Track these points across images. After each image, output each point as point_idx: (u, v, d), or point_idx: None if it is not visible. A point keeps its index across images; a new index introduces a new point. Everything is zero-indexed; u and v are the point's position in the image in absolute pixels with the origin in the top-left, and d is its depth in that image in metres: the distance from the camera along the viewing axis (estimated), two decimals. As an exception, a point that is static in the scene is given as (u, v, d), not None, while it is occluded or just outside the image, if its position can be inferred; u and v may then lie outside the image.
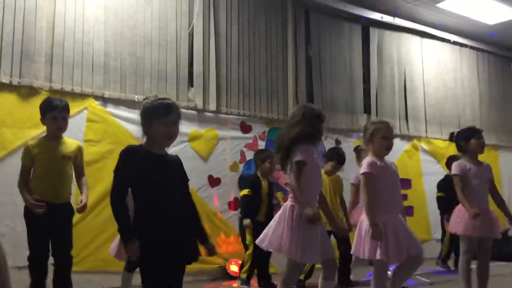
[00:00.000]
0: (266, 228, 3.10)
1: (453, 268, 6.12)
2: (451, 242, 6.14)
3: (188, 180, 2.54)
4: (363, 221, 3.33)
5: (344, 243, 4.97)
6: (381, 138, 3.35)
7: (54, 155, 3.62)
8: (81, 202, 3.66)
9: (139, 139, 4.82)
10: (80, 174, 3.79)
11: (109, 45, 5.27)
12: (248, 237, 4.87)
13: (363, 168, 3.30)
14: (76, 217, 4.73)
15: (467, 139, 4.06)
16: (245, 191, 4.97)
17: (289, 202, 3.11)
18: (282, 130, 3.43)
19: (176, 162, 2.50)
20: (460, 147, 4.13)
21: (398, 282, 3.39)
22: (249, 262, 4.88)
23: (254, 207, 4.90)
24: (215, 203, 5.80)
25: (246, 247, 4.97)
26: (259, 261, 4.88)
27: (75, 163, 3.75)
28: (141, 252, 2.22)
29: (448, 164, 6.35)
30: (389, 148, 3.39)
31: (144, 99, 2.48)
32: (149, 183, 2.31)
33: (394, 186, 3.38)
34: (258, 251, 4.47)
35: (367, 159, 3.36)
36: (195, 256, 2.43)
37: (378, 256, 3.20)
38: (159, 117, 2.37)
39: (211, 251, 2.49)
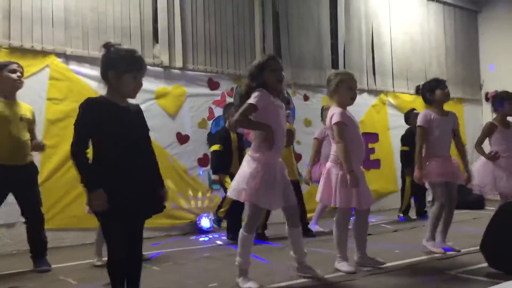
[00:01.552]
0: (233, 180, 3.15)
1: (414, 217, 6.35)
2: (411, 194, 6.36)
3: (148, 130, 2.53)
4: (331, 170, 3.41)
5: (296, 194, 5.13)
6: (346, 89, 3.40)
7: (13, 117, 3.61)
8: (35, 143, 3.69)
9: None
10: (34, 138, 3.81)
11: (70, 0, 5.12)
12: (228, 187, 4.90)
13: (335, 117, 3.34)
14: (44, 175, 4.77)
15: (432, 90, 4.14)
16: (215, 147, 5.02)
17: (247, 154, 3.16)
18: None
19: (137, 112, 2.47)
20: (426, 99, 4.20)
21: (362, 233, 3.56)
22: (227, 206, 4.94)
23: (226, 161, 4.95)
24: (185, 160, 5.84)
25: (226, 191, 4.97)
26: (232, 213, 4.95)
27: (30, 128, 3.75)
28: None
29: (407, 119, 6.51)
30: (353, 98, 3.45)
31: (106, 45, 2.36)
32: (110, 134, 2.29)
33: (359, 137, 3.46)
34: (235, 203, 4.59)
35: (336, 109, 3.40)
36: (157, 208, 2.44)
37: (352, 204, 3.33)
38: (132, 71, 2.33)
39: (162, 198, 2.47)
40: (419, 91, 4.29)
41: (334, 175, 3.37)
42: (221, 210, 5.05)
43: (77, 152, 2.26)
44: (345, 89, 3.41)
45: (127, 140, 2.33)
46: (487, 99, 4.58)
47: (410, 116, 6.37)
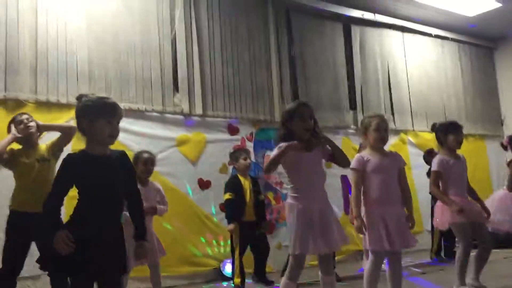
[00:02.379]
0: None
1: (446, 258, 6.18)
2: (441, 235, 6.22)
3: (134, 173, 2.51)
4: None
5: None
6: (373, 130, 3.38)
7: (31, 163, 3.71)
8: None
9: (130, 148, 4.89)
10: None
11: (93, 53, 5.32)
12: (235, 239, 4.81)
13: (352, 163, 3.35)
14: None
15: (445, 133, 4.10)
16: (226, 196, 4.92)
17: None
18: None
19: (118, 159, 2.40)
20: (439, 139, 4.17)
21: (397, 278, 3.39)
22: (239, 266, 4.78)
23: (239, 208, 4.84)
24: (207, 206, 5.84)
25: (233, 251, 4.87)
26: (257, 257, 4.90)
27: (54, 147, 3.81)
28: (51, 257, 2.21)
29: (426, 157, 6.46)
30: (382, 139, 3.38)
31: (78, 97, 2.38)
32: (86, 188, 2.27)
33: (383, 180, 3.31)
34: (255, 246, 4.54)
35: (356, 155, 3.41)
36: (115, 269, 2.31)
37: (366, 245, 3.25)
38: (106, 115, 2.29)
39: (138, 254, 2.40)
40: (434, 129, 4.25)
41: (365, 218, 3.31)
42: (236, 275, 4.80)
43: (46, 204, 2.27)
44: (372, 131, 3.38)
45: (102, 193, 2.28)
46: (505, 148, 4.46)
47: (430, 157, 6.30)
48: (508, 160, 4.24)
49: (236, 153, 5.16)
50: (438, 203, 4.06)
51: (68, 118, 5.07)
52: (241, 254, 4.77)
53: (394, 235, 3.19)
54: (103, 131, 2.29)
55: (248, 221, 4.82)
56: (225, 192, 4.96)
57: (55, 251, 2.16)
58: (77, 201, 2.31)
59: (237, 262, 4.78)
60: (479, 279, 3.97)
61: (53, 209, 2.24)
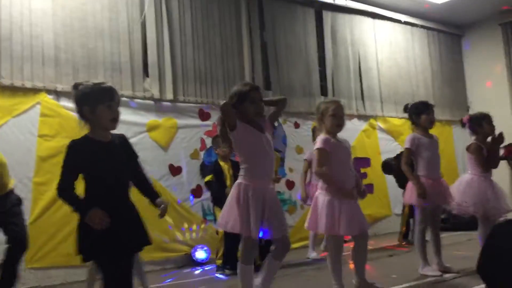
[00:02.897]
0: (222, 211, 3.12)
1: (412, 241, 6.34)
2: (408, 217, 6.37)
3: (137, 156, 2.54)
4: (318, 196, 3.43)
5: None
6: (330, 116, 3.44)
7: None
8: None
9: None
10: None
11: (59, 37, 5.19)
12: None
13: (317, 144, 3.40)
14: (35, 213, 4.75)
15: (418, 114, 4.22)
16: (208, 178, 5.08)
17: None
18: None
19: (121, 144, 2.48)
20: (412, 120, 4.28)
21: (360, 259, 3.51)
22: (222, 247, 4.88)
23: (221, 193, 4.86)
24: (178, 192, 5.82)
25: (217, 232, 4.98)
26: (227, 243, 4.89)
27: None
28: (90, 244, 2.26)
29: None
30: (339, 125, 3.47)
31: (75, 86, 2.42)
32: (94, 173, 2.32)
33: (344, 162, 3.47)
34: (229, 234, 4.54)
35: (320, 136, 3.46)
36: (144, 242, 2.43)
37: (340, 231, 3.30)
38: (105, 101, 2.35)
39: (162, 211, 2.48)
40: (406, 109, 4.35)
41: (321, 201, 3.38)
42: (218, 256, 4.93)
43: (63, 187, 2.29)
44: (329, 117, 3.44)
45: (111, 177, 2.35)
46: (463, 125, 4.57)
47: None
48: (468, 145, 4.35)
49: (219, 139, 5.16)
50: (409, 182, 4.18)
51: (34, 103, 4.98)
52: (225, 234, 4.75)
53: (350, 220, 3.29)
54: (105, 116, 2.35)
55: None
56: (206, 175, 5.07)
57: (89, 236, 2.23)
58: (85, 188, 2.33)
59: (219, 244, 4.89)
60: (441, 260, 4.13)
61: (72, 192, 2.28)
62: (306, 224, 3.48)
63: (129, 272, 2.39)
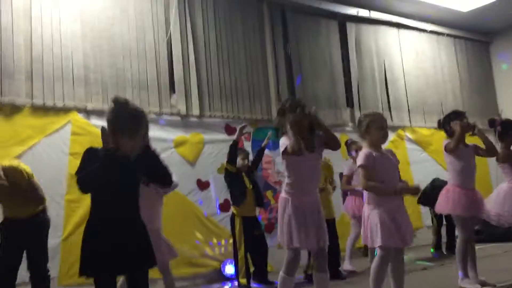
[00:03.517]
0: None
1: (445, 253, 6.19)
2: (439, 230, 6.24)
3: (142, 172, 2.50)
4: (364, 210, 3.36)
5: (332, 233, 5.07)
6: (377, 129, 3.38)
7: None
8: None
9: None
10: None
11: (88, 58, 5.32)
12: (238, 237, 4.83)
13: (359, 160, 3.33)
14: (68, 230, 4.83)
15: (449, 123, 4.12)
16: (230, 167, 4.90)
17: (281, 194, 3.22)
18: None
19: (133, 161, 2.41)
20: (448, 132, 4.17)
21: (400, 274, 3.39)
22: (244, 266, 4.79)
23: (240, 193, 4.86)
24: (206, 207, 5.84)
25: (236, 250, 4.87)
26: (256, 258, 4.87)
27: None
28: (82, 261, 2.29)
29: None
30: (385, 137, 3.41)
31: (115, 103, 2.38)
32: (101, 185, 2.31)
33: (389, 173, 3.38)
34: (253, 247, 4.54)
35: (363, 151, 3.40)
36: (141, 265, 2.39)
37: (378, 242, 3.21)
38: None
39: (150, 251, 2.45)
40: (440, 125, 4.25)
41: (366, 214, 3.30)
42: (241, 275, 4.78)
43: (82, 174, 2.30)
44: (376, 129, 3.38)
45: (111, 191, 2.33)
46: (492, 124, 4.40)
47: None
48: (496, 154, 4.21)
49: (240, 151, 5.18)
50: (446, 187, 4.08)
51: (65, 122, 5.11)
52: (246, 251, 4.76)
53: (404, 231, 3.20)
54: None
55: (249, 216, 4.84)
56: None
57: (87, 254, 2.28)
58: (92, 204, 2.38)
59: (241, 262, 4.79)
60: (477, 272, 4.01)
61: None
62: (362, 240, 3.41)
63: None
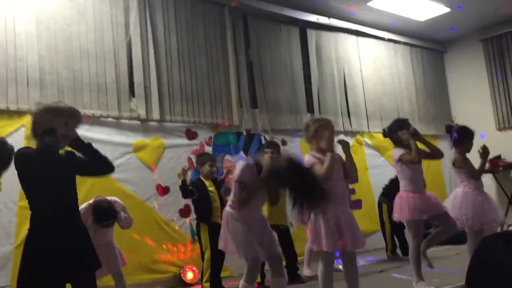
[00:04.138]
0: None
1: (401, 256, 6.34)
2: (392, 233, 6.38)
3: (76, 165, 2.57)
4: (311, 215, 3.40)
5: (287, 240, 5.15)
6: (327, 134, 3.44)
7: None
8: None
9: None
10: None
11: (44, 59, 5.16)
12: (204, 242, 4.84)
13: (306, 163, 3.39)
14: (20, 237, 4.64)
15: (396, 132, 4.21)
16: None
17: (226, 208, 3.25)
18: None
19: (68, 158, 2.54)
20: (394, 141, 4.27)
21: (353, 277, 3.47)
22: (209, 269, 4.78)
23: (206, 209, 4.90)
24: (166, 212, 5.76)
25: (202, 253, 4.88)
26: (215, 263, 4.83)
27: None
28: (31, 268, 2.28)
29: None
30: (332, 142, 3.50)
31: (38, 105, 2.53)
32: (41, 187, 2.38)
33: (336, 178, 3.45)
34: (216, 253, 4.48)
35: (305, 156, 3.46)
36: (89, 266, 2.40)
37: (321, 247, 3.28)
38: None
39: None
40: (385, 135, 4.34)
41: (319, 219, 3.35)
42: (205, 279, 4.80)
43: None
44: (326, 135, 3.45)
45: (54, 192, 2.38)
46: (449, 130, 4.54)
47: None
48: (452, 159, 4.37)
49: (203, 157, 5.17)
50: (398, 195, 4.17)
51: (18, 125, 4.93)
52: (213, 254, 4.71)
53: (347, 236, 3.27)
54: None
55: (217, 222, 4.82)
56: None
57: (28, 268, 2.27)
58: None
59: (206, 265, 4.78)
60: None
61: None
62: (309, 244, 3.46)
63: None
